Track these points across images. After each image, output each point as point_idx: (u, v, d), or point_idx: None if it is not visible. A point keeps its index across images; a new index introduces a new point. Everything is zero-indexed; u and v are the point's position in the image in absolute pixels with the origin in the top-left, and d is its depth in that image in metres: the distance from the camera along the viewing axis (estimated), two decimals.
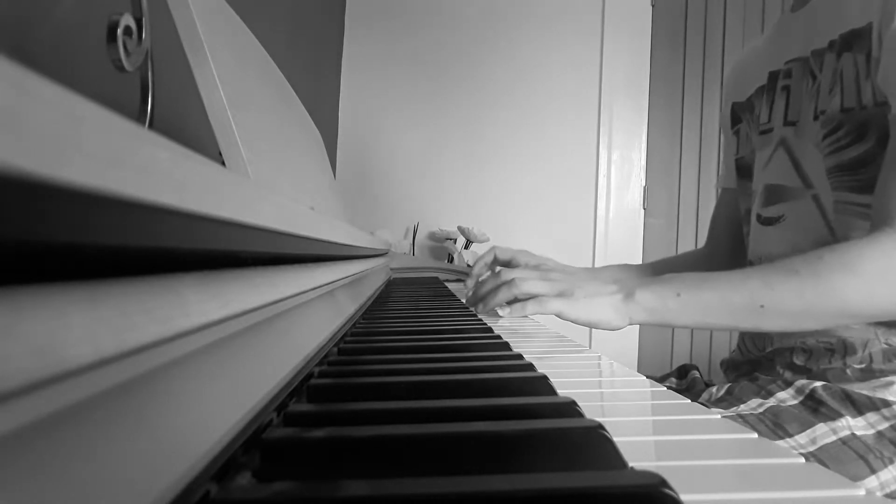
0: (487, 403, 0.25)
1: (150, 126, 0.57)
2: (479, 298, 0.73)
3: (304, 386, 0.30)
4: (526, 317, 0.68)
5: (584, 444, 0.21)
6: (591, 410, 0.26)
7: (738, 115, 0.92)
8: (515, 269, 0.74)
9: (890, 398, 0.61)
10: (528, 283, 0.67)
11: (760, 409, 0.63)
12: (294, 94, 0.78)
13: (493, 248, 0.90)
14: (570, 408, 0.25)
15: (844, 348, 0.68)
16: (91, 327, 0.12)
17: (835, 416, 0.61)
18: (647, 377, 0.40)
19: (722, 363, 0.89)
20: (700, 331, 2.12)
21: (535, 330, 0.64)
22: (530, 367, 0.34)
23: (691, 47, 2.13)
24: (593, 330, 2.08)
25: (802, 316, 0.60)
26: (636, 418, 0.30)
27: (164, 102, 0.61)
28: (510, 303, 0.69)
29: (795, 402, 0.64)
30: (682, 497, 0.16)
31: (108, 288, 0.13)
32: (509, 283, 0.68)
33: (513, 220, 2.08)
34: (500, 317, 0.69)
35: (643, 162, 2.12)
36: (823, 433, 0.59)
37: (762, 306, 0.60)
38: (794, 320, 0.61)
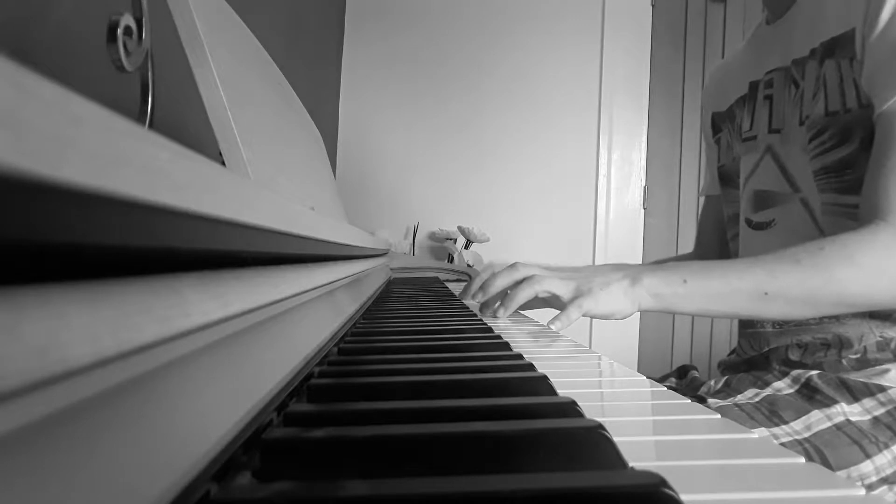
0: (488, 403, 0.25)
1: (150, 126, 0.57)
2: (490, 296, 0.71)
3: (304, 386, 0.30)
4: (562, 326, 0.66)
5: (585, 444, 0.21)
6: (592, 410, 0.26)
7: (719, 124, 0.95)
8: (525, 266, 0.72)
9: (886, 384, 0.62)
10: (547, 281, 0.66)
11: (757, 399, 0.65)
12: (294, 94, 0.78)
13: (490, 264, 0.89)
14: (570, 408, 0.25)
15: (840, 343, 0.69)
16: (91, 327, 0.12)
17: (830, 402, 0.62)
18: (647, 377, 0.40)
19: (720, 364, 0.90)
20: (700, 331, 2.12)
21: (535, 330, 0.64)
22: (530, 366, 0.34)
23: (691, 47, 2.13)
24: (593, 330, 2.08)
25: (803, 303, 0.62)
26: (636, 418, 0.30)
27: (164, 102, 0.61)
28: (502, 303, 0.69)
29: (791, 390, 0.66)
30: (682, 497, 0.16)
31: (108, 288, 0.13)
32: (530, 279, 0.66)
33: (513, 220, 2.08)
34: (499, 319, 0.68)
35: (643, 162, 2.12)
36: (818, 419, 0.60)
37: (766, 293, 0.62)
38: (795, 307, 0.63)
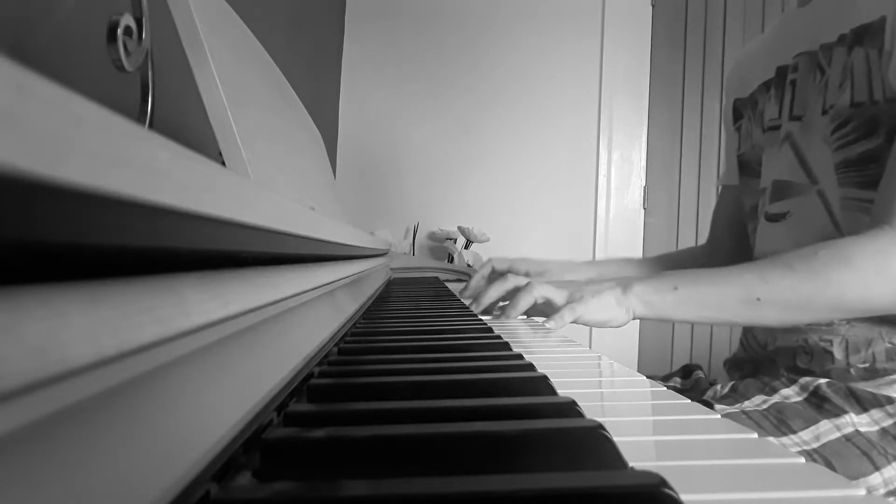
0: (488, 403, 0.25)
1: (150, 126, 0.57)
2: (488, 305, 0.72)
3: (304, 386, 0.30)
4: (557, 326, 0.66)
5: (585, 444, 0.21)
6: (592, 410, 0.26)
7: (740, 111, 0.91)
8: (519, 277, 0.73)
9: (894, 395, 0.61)
10: (542, 287, 0.67)
11: (764, 406, 0.64)
12: (294, 94, 0.78)
13: (490, 260, 0.89)
14: (570, 408, 0.25)
15: (847, 347, 0.68)
16: (91, 327, 0.12)
17: (839, 412, 0.61)
18: (651, 377, 0.40)
19: (725, 362, 0.89)
20: (700, 331, 2.12)
21: (534, 330, 0.64)
22: (530, 366, 0.34)
23: (691, 47, 2.13)
24: (593, 330, 2.08)
25: (799, 309, 0.61)
26: (636, 418, 0.30)
27: (164, 102, 0.61)
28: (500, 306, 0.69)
29: (800, 399, 0.65)
30: (683, 497, 0.16)
31: (108, 288, 0.13)
32: (526, 287, 0.68)
33: (513, 219, 2.08)
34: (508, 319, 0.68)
35: (643, 162, 2.12)
36: (827, 430, 0.60)
37: (758, 299, 0.61)
38: (791, 313, 0.62)
